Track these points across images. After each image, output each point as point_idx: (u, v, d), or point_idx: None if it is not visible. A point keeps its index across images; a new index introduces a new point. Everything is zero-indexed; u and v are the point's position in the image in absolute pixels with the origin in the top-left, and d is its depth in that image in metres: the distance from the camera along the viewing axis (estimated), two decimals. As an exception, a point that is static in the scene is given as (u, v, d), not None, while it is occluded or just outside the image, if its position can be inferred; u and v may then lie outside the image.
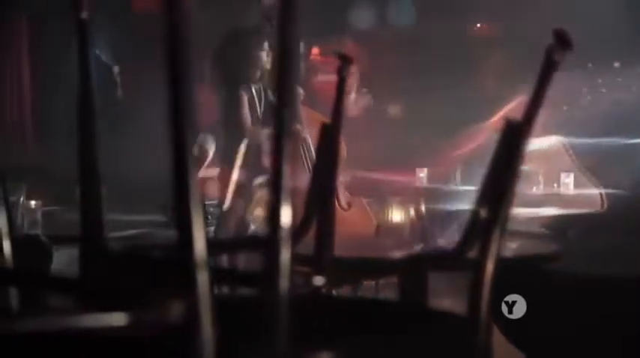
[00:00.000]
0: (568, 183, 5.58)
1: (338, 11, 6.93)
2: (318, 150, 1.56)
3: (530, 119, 1.34)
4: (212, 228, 5.10)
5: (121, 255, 1.31)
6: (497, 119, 6.24)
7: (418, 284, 2.29)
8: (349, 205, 5.02)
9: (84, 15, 1.31)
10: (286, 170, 1.07)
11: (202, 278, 0.91)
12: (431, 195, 5.28)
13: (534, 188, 5.73)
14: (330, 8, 6.61)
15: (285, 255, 1.05)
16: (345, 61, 1.63)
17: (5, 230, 1.14)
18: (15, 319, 0.84)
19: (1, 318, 0.88)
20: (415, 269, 1.35)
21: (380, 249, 2.94)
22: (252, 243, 1.86)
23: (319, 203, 1.47)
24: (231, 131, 5.02)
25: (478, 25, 7.10)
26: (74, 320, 0.85)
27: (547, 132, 5.55)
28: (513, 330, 2.66)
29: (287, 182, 1.07)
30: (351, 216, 4.91)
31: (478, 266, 1.31)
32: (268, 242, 1.07)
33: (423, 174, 5.85)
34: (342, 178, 5.17)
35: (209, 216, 5.44)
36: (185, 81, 0.91)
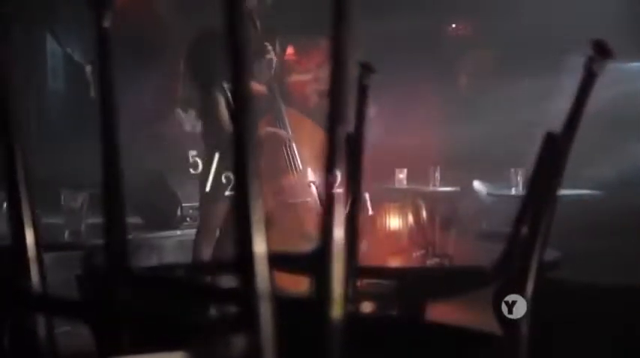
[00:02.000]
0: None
1: (313, 10, 6.87)
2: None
3: (571, 131, 1.30)
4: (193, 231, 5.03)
5: (149, 277, 1.23)
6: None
7: (421, 296, 2.24)
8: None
9: (106, 24, 1.25)
10: (339, 185, 1.02)
11: (265, 309, 0.85)
12: (411, 196, 5.25)
13: (513, 189, 5.72)
14: (305, 7, 6.55)
15: (339, 279, 1.00)
16: (366, 69, 1.58)
17: (33, 253, 1.07)
18: None
19: None
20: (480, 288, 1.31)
21: (370, 257, 2.88)
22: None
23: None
24: (209, 134, 4.92)
25: (454, 25, 7.08)
26: None
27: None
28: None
29: (340, 198, 1.02)
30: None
31: (519, 284, 1.27)
32: (320, 264, 1.01)
33: (402, 175, 5.81)
34: (316, 180, 5.11)
35: (188, 219, 5.36)
36: (248, 108, 0.85)
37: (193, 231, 5.10)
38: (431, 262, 2.48)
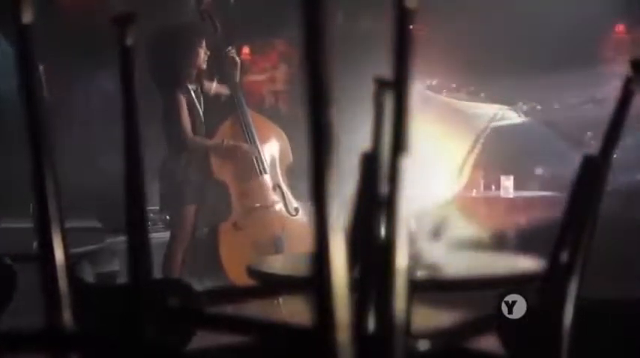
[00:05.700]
0: (508, 186, 5.58)
1: (269, 10, 6.80)
2: (361, 181, 1.44)
3: (608, 153, 1.26)
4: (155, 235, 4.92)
5: (185, 310, 1.15)
6: None
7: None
8: (297, 211, 4.92)
9: (129, 42, 1.18)
10: (402, 202, 0.97)
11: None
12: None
13: (474, 190, 5.73)
14: (261, 8, 6.48)
15: (401, 310, 0.95)
16: (383, 86, 1.52)
17: (66, 287, 0.99)
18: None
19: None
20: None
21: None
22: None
23: (364, 239, 1.35)
24: (172, 135, 4.82)
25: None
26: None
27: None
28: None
29: (404, 217, 0.97)
30: (298, 222, 4.81)
31: (556, 311, 1.23)
32: (382, 292, 0.96)
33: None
34: (288, 183, 5.05)
35: (149, 223, 5.25)
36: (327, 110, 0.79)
37: (154, 235, 4.99)
38: (422, 274, 2.43)
